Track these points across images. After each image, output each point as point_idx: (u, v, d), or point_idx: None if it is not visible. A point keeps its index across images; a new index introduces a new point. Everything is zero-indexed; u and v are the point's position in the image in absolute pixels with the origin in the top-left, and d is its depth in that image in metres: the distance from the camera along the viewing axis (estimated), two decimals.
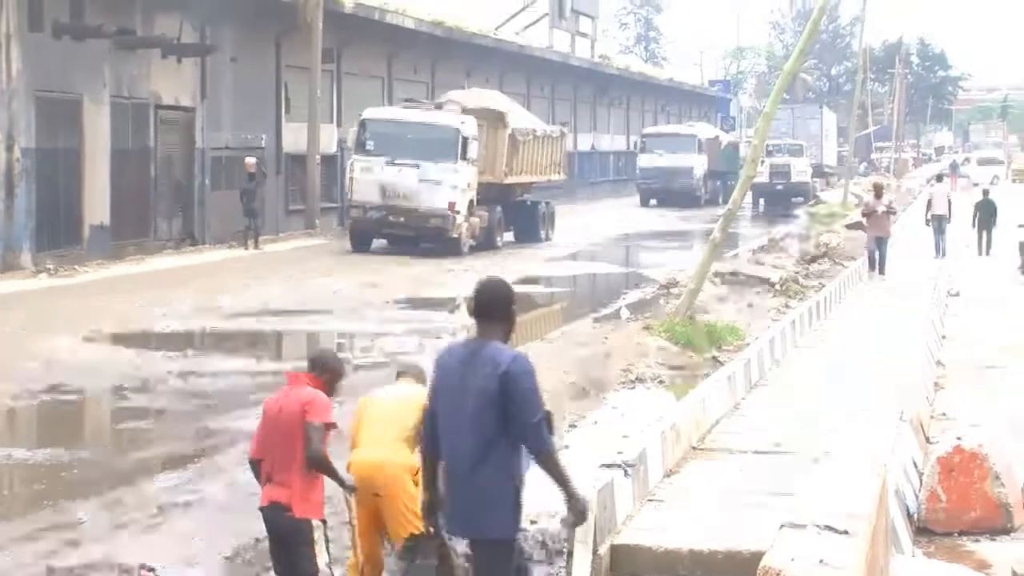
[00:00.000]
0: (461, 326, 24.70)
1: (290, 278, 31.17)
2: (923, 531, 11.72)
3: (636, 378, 19.38)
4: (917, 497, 11.96)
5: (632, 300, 29.80)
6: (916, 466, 12.86)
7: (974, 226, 39.92)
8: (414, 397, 10.11)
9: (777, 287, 29.94)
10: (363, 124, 38.49)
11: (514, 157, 41.82)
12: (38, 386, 18.10)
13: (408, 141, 37.62)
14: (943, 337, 23.21)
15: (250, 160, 38.64)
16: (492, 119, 41.17)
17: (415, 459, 9.72)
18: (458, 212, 37.73)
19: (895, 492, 11.07)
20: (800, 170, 71.82)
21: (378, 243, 38.76)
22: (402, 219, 37.58)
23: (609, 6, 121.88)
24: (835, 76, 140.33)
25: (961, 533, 11.68)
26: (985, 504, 11.72)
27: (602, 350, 21.05)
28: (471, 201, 38.79)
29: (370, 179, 37.52)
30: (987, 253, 39.13)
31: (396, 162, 37.48)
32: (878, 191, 33.39)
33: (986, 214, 39.63)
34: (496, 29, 68.05)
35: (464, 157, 37.93)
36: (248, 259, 35.74)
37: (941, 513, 11.78)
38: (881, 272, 31.35)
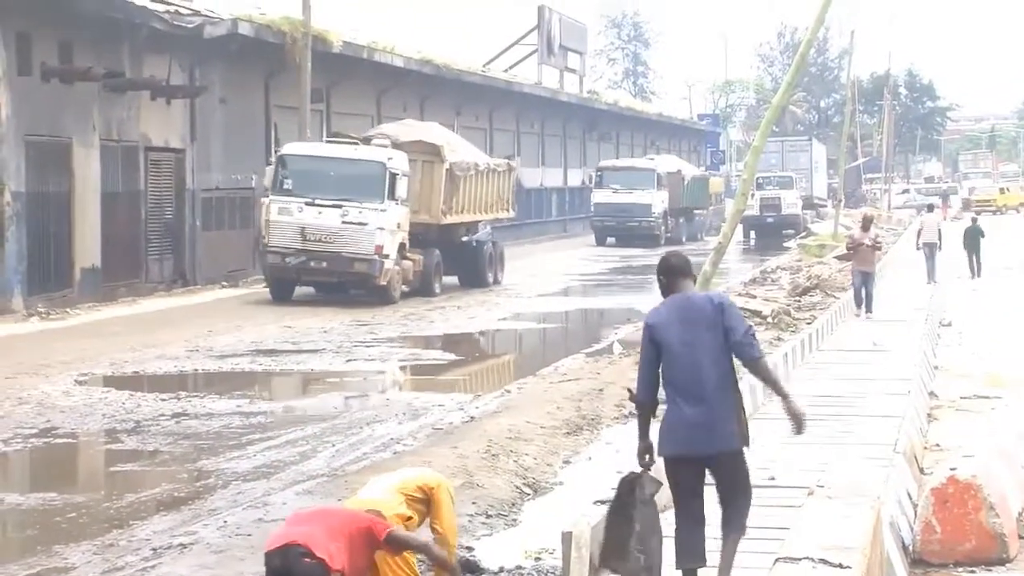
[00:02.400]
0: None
1: (281, 317, 31.17)
2: (918, 563, 11.69)
3: (629, 413, 19.31)
4: (912, 529, 11.94)
5: (624, 335, 29.78)
6: (910, 497, 12.85)
7: (965, 249, 42.45)
8: (418, 471, 10.77)
9: (769, 320, 29.90)
10: (281, 160, 35.18)
11: (453, 195, 38.44)
12: (30, 430, 18.07)
13: (330, 179, 34.43)
14: (935, 368, 23.21)
15: None
16: (427, 153, 37.86)
17: (406, 509, 9.91)
18: (386, 256, 34.32)
19: (890, 524, 11.05)
20: (790, 203, 72.04)
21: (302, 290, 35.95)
22: (324, 264, 34.16)
23: (597, 41, 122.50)
24: (824, 108, 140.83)
25: (956, 564, 11.66)
26: (980, 535, 11.71)
27: (595, 385, 21.04)
28: (402, 244, 35.43)
29: (288, 221, 34.12)
30: (978, 274, 41.63)
31: (317, 202, 34.12)
32: (866, 223, 31.76)
33: (973, 239, 42.31)
34: (485, 66, 68.28)
35: (392, 196, 34.64)
36: (238, 299, 35.72)
37: (936, 544, 11.75)
38: (868, 310, 30.01)
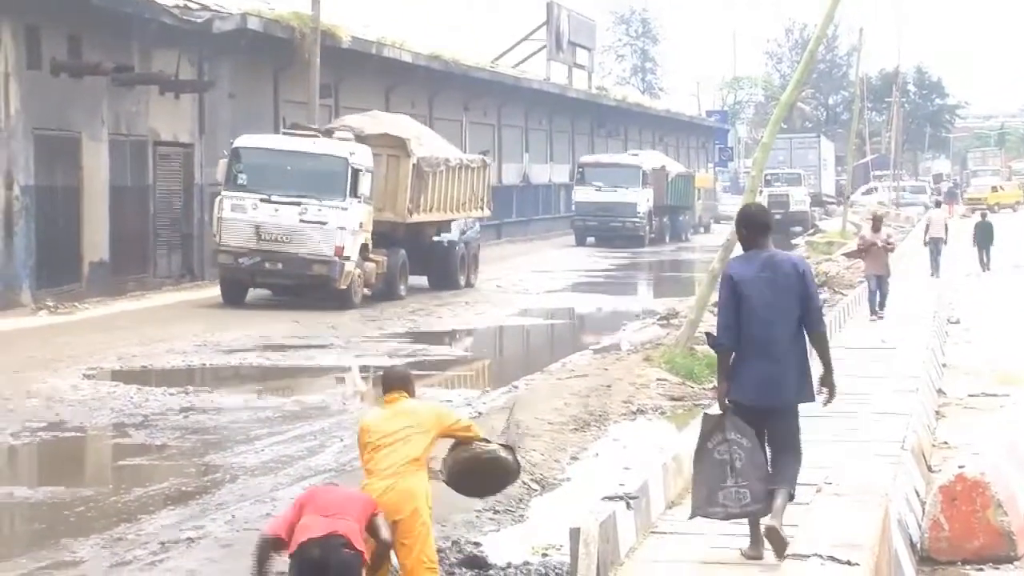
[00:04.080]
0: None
1: (289, 312, 31.15)
2: (926, 560, 11.69)
3: (637, 409, 19.37)
4: (920, 526, 11.94)
5: (632, 331, 29.81)
6: (919, 495, 12.84)
7: (975, 244, 44.68)
8: (417, 414, 10.05)
9: None
10: (235, 153, 32.72)
11: (421, 192, 35.91)
12: (39, 424, 18.09)
13: (288, 174, 32.20)
14: (944, 365, 23.20)
15: None
16: (392, 147, 35.32)
17: (426, 483, 9.77)
18: (347, 258, 32.04)
19: (898, 522, 11.05)
20: (798, 199, 72.00)
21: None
22: (280, 266, 31.87)
23: (606, 38, 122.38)
24: (832, 105, 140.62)
25: (964, 562, 11.66)
26: (988, 533, 11.70)
27: (602, 381, 21.04)
28: (364, 244, 33.08)
29: (242, 219, 31.85)
30: (988, 268, 43.70)
31: (273, 199, 31.85)
32: (876, 223, 30.79)
33: (984, 234, 44.38)
34: (493, 62, 68.22)
35: (354, 193, 32.30)
36: None
37: (944, 542, 11.75)
38: (880, 309, 29.36)
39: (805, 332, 10.48)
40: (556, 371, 23.21)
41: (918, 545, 11.79)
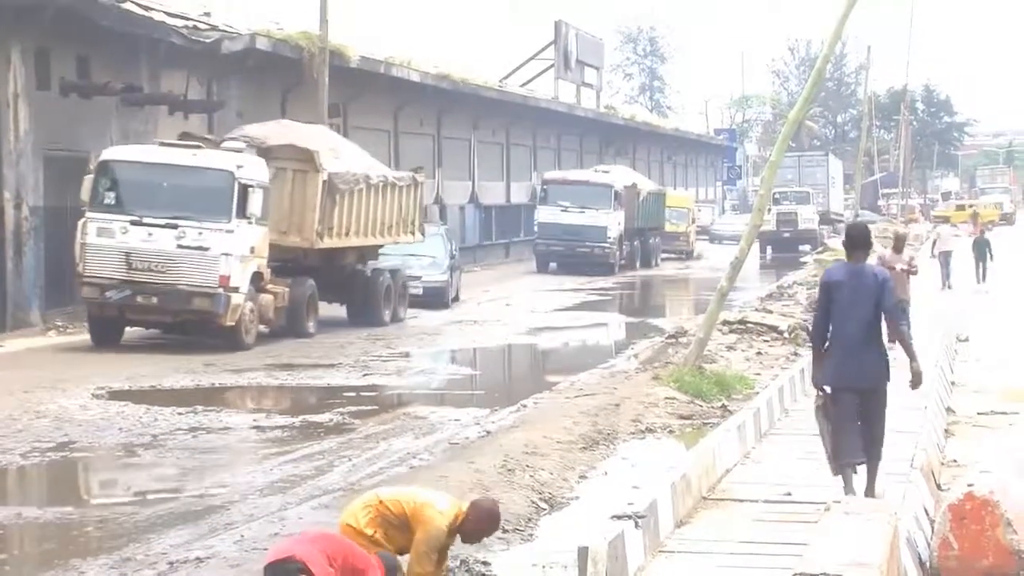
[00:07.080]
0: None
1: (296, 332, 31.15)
2: None
3: (646, 428, 19.36)
4: (929, 545, 11.91)
5: (640, 350, 29.79)
6: (928, 513, 12.83)
7: (973, 258, 46.92)
8: (416, 494, 10.41)
9: (786, 335, 29.87)
10: (102, 167, 28.19)
11: (332, 212, 31.37)
12: (48, 444, 18.11)
13: (163, 192, 27.89)
14: (952, 383, 23.17)
15: None
16: (298, 161, 30.89)
17: (370, 529, 10.00)
18: (235, 289, 27.64)
19: (907, 540, 11.04)
20: (807, 218, 71.95)
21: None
22: (154, 300, 27.45)
23: (614, 56, 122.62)
24: (841, 123, 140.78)
25: None
26: (998, 551, 11.67)
27: (611, 400, 21.03)
28: (258, 273, 28.70)
29: (110, 245, 27.51)
30: (983, 280, 45.82)
31: (146, 221, 27.50)
32: (899, 244, 28.09)
33: (981, 249, 46.53)
34: (502, 81, 68.33)
35: (243, 213, 27.80)
36: None
37: (953, 561, 11.72)
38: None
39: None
40: (564, 390, 23.20)
41: (927, 564, 11.77)
